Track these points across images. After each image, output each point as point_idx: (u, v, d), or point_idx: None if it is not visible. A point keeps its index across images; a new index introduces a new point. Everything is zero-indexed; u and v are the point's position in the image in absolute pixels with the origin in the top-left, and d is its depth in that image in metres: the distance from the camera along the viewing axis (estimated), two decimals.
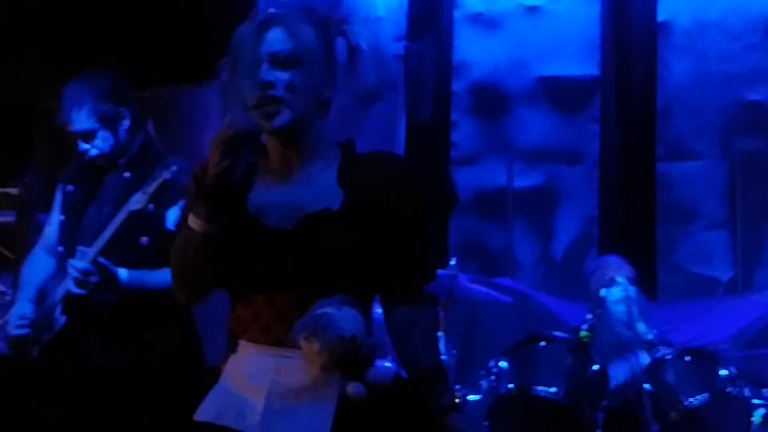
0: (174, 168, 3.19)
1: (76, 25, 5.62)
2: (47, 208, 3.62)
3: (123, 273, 3.23)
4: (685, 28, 5.57)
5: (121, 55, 5.52)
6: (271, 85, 2.01)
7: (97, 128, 3.35)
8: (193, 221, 1.99)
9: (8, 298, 4.90)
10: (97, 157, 3.39)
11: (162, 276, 3.10)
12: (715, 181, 5.48)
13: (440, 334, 4.07)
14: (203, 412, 2.01)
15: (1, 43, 5.71)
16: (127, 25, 5.67)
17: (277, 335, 1.99)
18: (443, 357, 4.04)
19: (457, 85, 5.79)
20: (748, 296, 4.92)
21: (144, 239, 3.26)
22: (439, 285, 4.18)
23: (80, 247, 3.27)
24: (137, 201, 3.24)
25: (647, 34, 5.62)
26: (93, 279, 3.19)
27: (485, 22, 5.80)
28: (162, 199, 3.23)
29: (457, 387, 4.03)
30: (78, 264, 3.19)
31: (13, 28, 5.72)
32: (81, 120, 3.35)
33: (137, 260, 3.25)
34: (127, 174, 3.37)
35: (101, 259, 3.22)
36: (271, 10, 2.15)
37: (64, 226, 3.45)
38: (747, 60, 5.47)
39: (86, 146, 3.37)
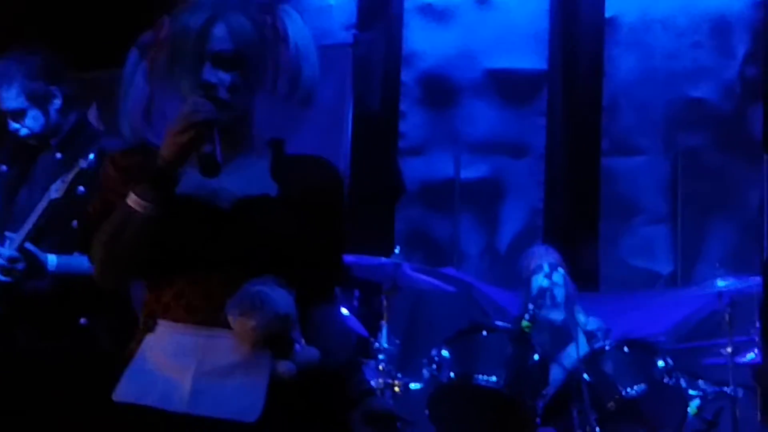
0: (91, 157, 3.14)
1: (16, 3, 5.53)
2: None
3: (51, 259, 3.18)
4: (632, 24, 5.64)
5: (62, 35, 5.47)
6: (214, 87, 2.00)
7: (27, 107, 3.29)
8: (135, 202, 1.96)
9: None
10: (27, 136, 3.32)
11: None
12: (657, 176, 5.56)
13: (383, 322, 4.09)
14: (122, 393, 1.98)
15: None
16: (70, 5, 5.59)
17: (203, 315, 1.98)
18: (385, 345, 4.07)
19: (406, 76, 5.80)
20: (687, 289, 5.00)
21: (75, 223, 3.22)
22: (383, 273, 4.21)
23: (7, 233, 3.22)
24: (56, 189, 3.19)
25: (594, 30, 5.68)
26: (19, 266, 3.14)
27: (435, 13, 5.82)
28: (94, 182, 3.19)
29: (399, 375, 4.05)
30: (3, 251, 3.15)
31: None
32: (10, 98, 3.29)
33: (68, 245, 3.20)
34: (58, 155, 3.32)
35: (28, 245, 3.17)
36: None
37: None
38: (691, 57, 5.55)
39: (16, 125, 3.32)
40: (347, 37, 5.76)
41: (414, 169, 5.73)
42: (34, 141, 3.33)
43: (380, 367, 4.00)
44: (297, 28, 2.11)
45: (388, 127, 5.76)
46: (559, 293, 3.93)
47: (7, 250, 3.15)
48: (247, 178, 2.05)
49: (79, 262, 3.13)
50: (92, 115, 4.28)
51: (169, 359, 1.98)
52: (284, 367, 1.96)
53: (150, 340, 2.02)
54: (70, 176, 3.14)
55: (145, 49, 2.08)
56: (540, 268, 4.05)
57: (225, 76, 2.01)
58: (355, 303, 4.76)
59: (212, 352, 1.96)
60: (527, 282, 4.19)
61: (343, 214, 2.14)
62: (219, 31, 2.02)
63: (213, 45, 2.01)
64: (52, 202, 3.18)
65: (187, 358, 1.96)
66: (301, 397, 2.00)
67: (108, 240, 2.00)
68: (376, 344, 4.04)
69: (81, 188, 3.17)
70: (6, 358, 3.19)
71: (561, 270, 4.08)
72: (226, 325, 1.95)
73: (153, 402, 1.95)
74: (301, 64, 2.08)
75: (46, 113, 3.31)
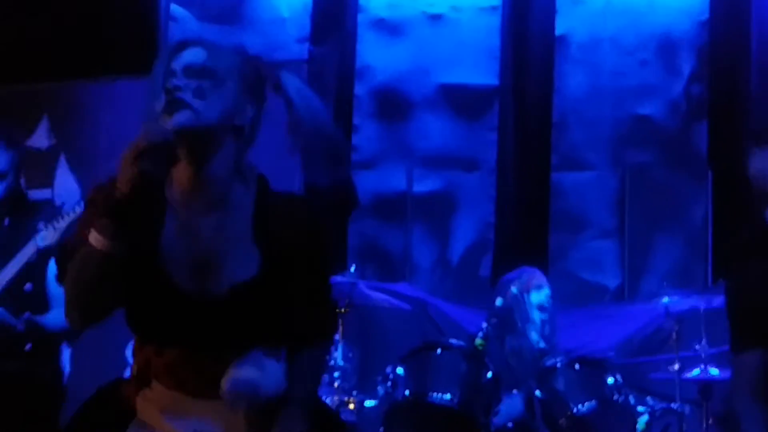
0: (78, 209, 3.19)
1: None
2: None
3: (19, 323, 3.24)
4: (581, 42, 5.73)
5: (13, 43, 5.42)
6: (177, 88, 1.98)
7: (6, 172, 3.35)
8: (95, 238, 1.92)
9: None
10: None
11: (53, 319, 3.14)
12: (605, 191, 5.65)
13: (337, 338, 4.13)
14: None
15: None
16: (24, 15, 5.54)
17: (194, 388, 2.01)
18: (340, 362, 4.11)
19: (360, 89, 5.84)
20: (634, 304, 5.11)
21: (28, 285, 3.27)
22: (339, 291, 4.24)
23: None
24: (44, 237, 3.21)
25: (545, 47, 5.77)
26: None
27: (388, 28, 5.86)
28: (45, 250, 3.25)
29: (354, 393, 4.09)
30: None
31: None
32: None
33: (22, 307, 3.25)
34: (6, 221, 3.35)
35: None
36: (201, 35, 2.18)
37: None
38: (639, 75, 5.66)
39: None
40: (301, 50, 5.78)
41: (366, 182, 5.76)
42: None
43: (335, 384, 4.03)
44: (300, 92, 2.12)
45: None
46: (550, 319, 3.99)
47: None
48: (227, 245, 2.01)
49: (47, 320, 3.19)
50: (43, 127, 4.31)
51: (166, 422, 2.01)
52: None
53: (146, 394, 2.05)
54: (64, 223, 3.16)
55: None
56: (540, 287, 4.12)
57: (192, 82, 2.00)
58: None
59: (209, 420, 2.01)
60: (511, 298, 4.19)
61: (326, 262, 2.14)
62: (194, 50, 2.05)
63: (185, 58, 2.03)
64: (41, 250, 3.20)
65: (185, 424, 2.01)
66: None
67: (71, 279, 1.97)
68: (332, 361, 4.08)
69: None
70: None
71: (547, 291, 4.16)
72: (218, 396, 1.98)
73: None
74: (308, 127, 2.11)
75: (15, 182, 3.36)
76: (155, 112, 2.01)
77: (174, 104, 1.98)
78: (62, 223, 3.21)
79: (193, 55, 2.04)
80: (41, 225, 3.27)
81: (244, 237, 2.03)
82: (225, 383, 1.95)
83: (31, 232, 3.27)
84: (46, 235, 3.23)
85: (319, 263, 2.10)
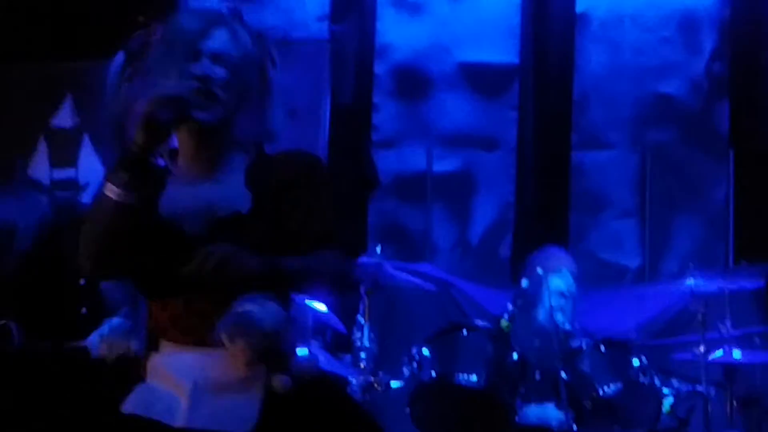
0: None
1: None
2: None
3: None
4: (602, 19, 5.69)
5: (37, 24, 5.42)
6: (209, 79, 2.03)
7: None
8: (110, 189, 1.99)
9: None
10: None
11: None
12: (626, 171, 5.63)
13: (364, 321, 4.14)
14: (131, 405, 2.05)
15: None
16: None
17: (198, 336, 2.04)
18: (366, 344, 4.12)
19: (380, 68, 5.81)
20: (656, 285, 5.10)
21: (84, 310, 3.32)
22: (364, 272, 4.25)
23: None
24: None
25: (565, 25, 5.73)
26: None
27: (408, 6, 5.83)
28: None
29: (380, 373, 4.10)
30: None
31: None
32: None
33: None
34: None
35: None
36: (215, 7, 2.18)
37: None
38: (660, 53, 5.62)
39: None
40: (320, 28, 5.75)
41: (387, 162, 5.75)
42: None
43: (361, 365, 4.04)
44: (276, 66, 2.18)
45: (362, 120, 5.78)
46: (571, 303, 3.99)
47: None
48: (222, 191, 2.09)
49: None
50: (67, 107, 4.31)
51: (171, 376, 2.05)
52: (279, 381, 2.03)
53: (155, 358, 2.09)
54: None
55: (134, 53, 2.11)
56: (558, 270, 4.11)
57: (221, 72, 2.05)
58: (332, 299, 4.79)
59: (209, 368, 2.03)
60: (534, 279, 4.19)
61: (324, 196, 2.14)
62: (221, 33, 2.09)
63: (214, 43, 2.07)
64: None
65: (186, 375, 2.03)
66: (302, 406, 2.05)
67: (87, 228, 2.04)
68: (357, 343, 4.09)
69: None
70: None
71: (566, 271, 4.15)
72: (221, 344, 2.01)
73: (157, 414, 2.03)
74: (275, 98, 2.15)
75: None
76: (173, 78, 2.04)
77: (207, 96, 2.04)
78: None
79: (220, 41, 2.08)
80: None
81: (238, 183, 2.11)
82: (222, 318, 1.98)
83: None
84: None
85: (314, 198, 2.12)
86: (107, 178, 2.00)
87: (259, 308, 1.98)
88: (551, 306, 3.92)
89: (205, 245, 2.00)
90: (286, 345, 2.03)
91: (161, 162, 2.12)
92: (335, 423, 2.10)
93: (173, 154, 2.15)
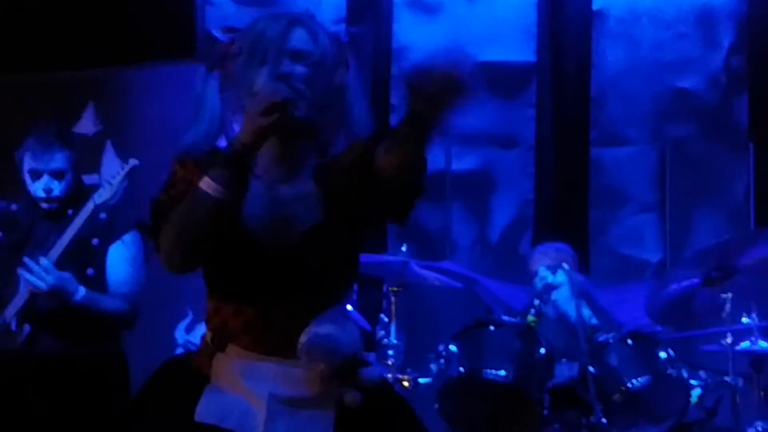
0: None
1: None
2: None
3: (81, 289, 3.29)
4: (619, 16, 5.70)
5: (57, 32, 5.47)
6: (291, 76, 2.06)
7: (67, 170, 3.42)
8: (207, 185, 1.99)
9: None
10: (57, 198, 3.48)
11: (111, 302, 3.22)
12: (645, 166, 5.64)
13: (391, 319, 4.15)
14: (205, 413, 2.04)
15: None
16: (60, 2, 5.58)
17: (271, 346, 2.05)
18: (394, 341, 4.14)
19: (397, 69, 5.84)
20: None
21: (90, 271, 3.33)
22: (390, 271, 4.26)
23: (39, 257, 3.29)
24: (101, 194, 3.28)
25: (582, 22, 5.74)
26: (49, 279, 3.23)
27: (424, 7, 5.85)
28: (107, 234, 3.30)
29: (408, 370, 4.12)
30: (42, 260, 3.22)
31: None
32: (56, 160, 3.44)
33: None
34: (70, 211, 3.46)
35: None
36: (294, 11, 2.22)
37: None
38: (678, 49, 5.63)
39: (51, 185, 3.40)
40: (337, 31, 5.77)
41: None
42: (56, 204, 3.41)
43: (389, 362, 4.06)
44: (353, 67, 2.20)
45: (379, 121, 5.79)
46: (577, 294, 3.99)
47: (46, 260, 3.22)
48: (299, 200, 2.10)
49: (102, 301, 3.25)
50: (89, 114, 4.37)
51: (244, 384, 2.04)
52: (351, 397, 2.04)
53: (222, 360, 2.08)
54: (119, 178, 3.22)
55: (213, 65, 2.14)
56: (558, 267, 4.13)
57: (301, 68, 2.07)
58: (355, 297, 4.81)
59: (285, 381, 2.04)
60: (537, 277, 4.26)
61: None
62: (299, 33, 2.11)
63: (293, 43, 2.09)
64: (97, 207, 3.26)
65: (261, 385, 2.03)
66: (370, 417, 2.07)
67: (178, 221, 2.03)
68: (385, 340, 4.10)
69: (95, 240, 3.29)
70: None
71: (566, 268, 4.14)
72: (295, 356, 2.02)
73: (232, 426, 2.03)
74: (353, 100, 2.18)
75: (75, 177, 3.42)
76: (253, 89, 2.07)
77: (294, 92, 2.05)
78: (117, 179, 3.28)
79: (300, 39, 2.10)
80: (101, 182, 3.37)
81: (310, 194, 2.12)
82: (303, 337, 1.99)
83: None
84: (103, 192, 3.30)
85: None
86: (207, 174, 2.00)
87: (339, 330, 2.00)
88: (577, 300, 3.91)
89: (285, 259, 2.04)
90: (360, 363, 2.05)
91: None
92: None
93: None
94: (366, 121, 2.20)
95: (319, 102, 2.09)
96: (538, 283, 4.29)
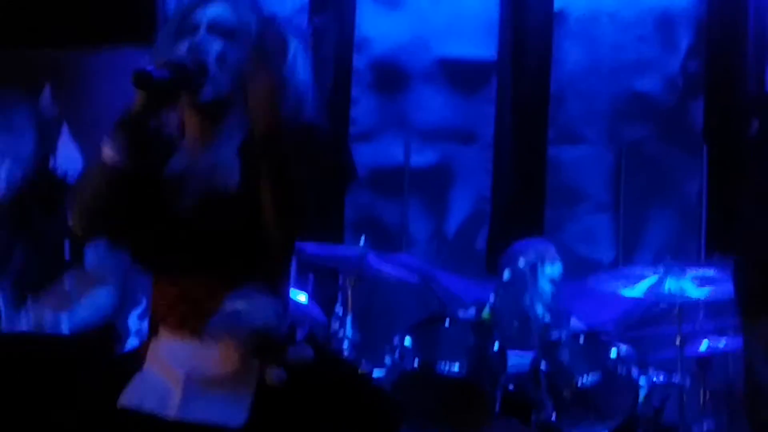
0: None
1: None
2: None
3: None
4: (580, 16, 5.75)
5: (13, 11, 5.39)
6: (203, 51, 2.04)
7: None
8: (106, 154, 2.00)
9: None
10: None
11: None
12: (602, 166, 5.71)
13: (347, 312, 4.17)
14: (128, 398, 2.05)
15: None
16: None
17: (193, 326, 2.05)
18: (349, 334, 4.15)
19: (358, 61, 5.84)
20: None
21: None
22: (348, 263, 4.28)
23: None
24: None
25: (543, 21, 5.78)
26: None
27: (388, 0, 5.86)
28: None
29: (362, 362, 4.13)
30: None
31: None
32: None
33: None
34: None
35: None
36: None
37: None
38: (636, 50, 5.70)
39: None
40: (300, 21, 5.76)
41: (364, 155, 5.77)
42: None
43: (344, 355, 4.07)
44: (297, 48, 2.14)
45: (340, 113, 5.80)
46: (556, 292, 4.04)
47: None
48: (214, 164, 2.07)
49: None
50: (45, 96, 4.31)
51: (166, 364, 2.05)
52: (274, 374, 2.02)
53: (153, 344, 2.10)
54: None
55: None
56: (554, 261, 4.17)
57: (216, 43, 2.04)
58: (310, 287, 4.82)
59: (203, 360, 2.03)
60: (518, 270, 4.26)
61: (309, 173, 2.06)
62: (219, 4, 2.08)
63: (210, 12, 2.07)
64: None
65: (180, 365, 2.04)
66: (297, 397, 2.06)
67: (79, 185, 2.08)
68: (340, 332, 4.11)
69: None
70: None
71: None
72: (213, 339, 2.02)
73: (151, 407, 2.03)
74: (292, 90, 2.11)
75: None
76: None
77: (200, 70, 2.03)
78: None
79: (217, 11, 2.08)
80: None
81: (230, 152, 2.10)
82: (213, 317, 1.99)
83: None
84: None
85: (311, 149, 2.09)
86: (104, 142, 2.01)
87: (248, 306, 1.98)
88: (536, 297, 3.96)
89: (190, 225, 2.03)
90: (277, 338, 2.03)
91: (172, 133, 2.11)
92: (339, 406, 2.08)
93: (182, 128, 2.15)
94: (307, 106, 2.15)
95: (235, 79, 2.05)
96: (507, 276, 4.29)
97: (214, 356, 2.01)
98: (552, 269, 4.24)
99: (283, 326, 2.05)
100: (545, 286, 4.19)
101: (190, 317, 2.04)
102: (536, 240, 4.63)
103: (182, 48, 2.05)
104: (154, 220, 2.06)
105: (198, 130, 2.13)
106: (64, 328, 3.25)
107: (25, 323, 3.21)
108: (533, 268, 4.16)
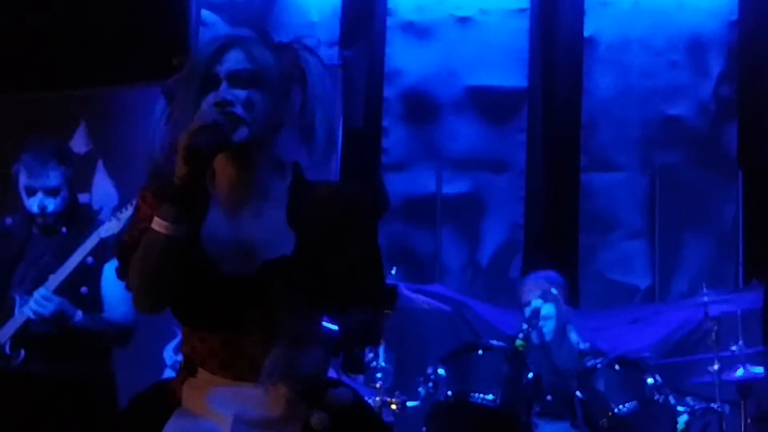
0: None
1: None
2: None
3: (78, 313, 3.31)
4: (610, 43, 5.76)
5: (51, 50, 5.49)
6: (229, 102, 2.00)
7: (61, 187, 3.45)
8: (158, 224, 1.96)
9: None
10: (52, 213, 3.46)
11: (108, 321, 3.33)
12: (635, 192, 5.68)
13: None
14: None
15: None
16: (56, 23, 5.60)
17: (237, 371, 2.04)
18: (382, 363, 4.14)
19: (389, 92, 5.87)
20: (667, 305, 5.11)
21: (83, 289, 3.34)
22: None
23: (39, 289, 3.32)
24: (107, 228, 3.30)
25: (574, 48, 5.79)
26: (50, 307, 3.25)
27: (417, 31, 5.90)
28: (102, 253, 3.34)
29: (396, 393, 4.12)
30: (40, 290, 3.25)
31: None
32: (52, 177, 3.44)
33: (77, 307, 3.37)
34: (63, 229, 3.48)
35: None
36: (230, 32, 2.18)
37: None
38: (668, 76, 5.68)
39: (45, 203, 3.43)
40: (330, 54, 5.80)
41: (396, 185, 5.79)
42: (51, 220, 3.42)
43: (377, 385, 4.06)
44: (316, 71, 2.11)
45: (371, 144, 5.83)
46: (563, 322, 4.00)
47: (44, 290, 3.25)
48: (265, 230, 2.05)
49: (101, 321, 3.27)
50: (81, 133, 4.38)
51: (209, 406, 2.03)
52: (317, 418, 2.02)
53: (191, 384, 2.08)
54: (125, 214, 3.22)
55: (170, 94, 2.11)
56: (547, 295, 4.15)
57: (240, 93, 2.02)
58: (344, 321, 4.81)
59: (249, 403, 2.02)
60: (526, 305, 4.27)
61: (370, 233, 2.10)
62: (235, 54, 2.04)
63: (228, 65, 2.03)
64: (103, 240, 3.29)
65: (226, 407, 2.02)
66: None
67: (139, 266, 2.02)
68: (374, 363, 4.10)
69: (90, 259, 3.31)
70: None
71: (556, 297, 4.17)
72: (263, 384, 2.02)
73: None
74: (316, 106, 2.07)
75: (70, 194, 3.45)
76: (197, 116, 2.02)
77: (231, 119, 2.00)
78: (125, 214, 3.28)
79: (235, 61, 2.05)
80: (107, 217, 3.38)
81: (279, 222, 2.07)
82: (266, 362, 1.99)
83: (87, 239, 3.35)
84: (110, 226, 3.32)
85: (358, 241, 2.06)
86: (155, 213, 1.97)
87: (300, 353, 1.99)
88: (569, 325, 3.93)
89: (251, 289, 2.02)
90: (323, 384, 2.05)
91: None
92: None
93: (213, 177, 2.11)
94: (330, 138, 2.10)
95: (267, 121, 2.04)
96: (527, 312, 4.30)
97: (263, 400, 2.02)
98: (552, 303, 4.19)
99: (326, 371, 2.06)
100: (550, 319, 4.14)
101: (235, 363, 2.03)
102: (545, 272, 4.59)
103: (208, 103, 2.05)
104: (202, 283, 2.03)
105: (234, 180, 2.08)
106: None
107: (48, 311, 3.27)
108: (555, 298, 4.13)
